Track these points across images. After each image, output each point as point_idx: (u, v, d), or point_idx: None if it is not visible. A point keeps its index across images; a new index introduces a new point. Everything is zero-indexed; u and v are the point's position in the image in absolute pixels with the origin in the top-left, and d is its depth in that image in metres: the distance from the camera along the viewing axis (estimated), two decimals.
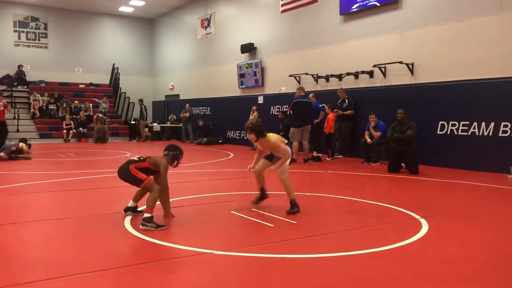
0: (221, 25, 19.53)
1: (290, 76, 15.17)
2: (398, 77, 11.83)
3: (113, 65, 24.18)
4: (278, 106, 15.71)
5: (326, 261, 3.80)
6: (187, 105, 20.12)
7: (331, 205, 6.38)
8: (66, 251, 4.03)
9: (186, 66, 22.49)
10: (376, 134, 11.04)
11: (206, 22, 20.48)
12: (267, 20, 16.68)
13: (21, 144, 12.15)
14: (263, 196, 5.99)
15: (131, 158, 5.14)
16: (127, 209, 5.30)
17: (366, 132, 11.34)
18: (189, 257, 3.84)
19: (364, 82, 12.87)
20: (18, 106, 20.44)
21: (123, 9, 23.49)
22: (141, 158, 5.11)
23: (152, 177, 5.04)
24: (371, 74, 12.56)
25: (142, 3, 22.25)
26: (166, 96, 24.62)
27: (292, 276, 3.45)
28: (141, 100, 21.34)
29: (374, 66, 12.21)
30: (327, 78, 13.96)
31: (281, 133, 13.66)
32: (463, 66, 10.38)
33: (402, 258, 3.92)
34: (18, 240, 4.40)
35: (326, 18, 14.03)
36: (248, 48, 17.38)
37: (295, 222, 5.07)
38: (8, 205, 6.05)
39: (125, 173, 5.01)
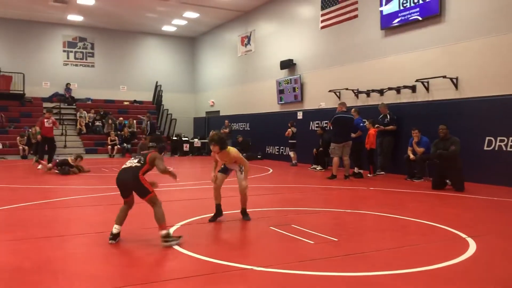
0: (261, 42, 19.74)
1: (330, 91, 15.09)
2: (442, 92, 11.53)
3: (156, 82, 24.85)
4: (318, 122, 15.61)
5: (368, 280, 3.71)
6: (226, 121, 20.37)
7: (373, 222, 6.24)
8: (109, 264, 4.11)
9: (226, 83, 22.81)
10: (420, 150, 10.75)
11: (246, 40, 20.75)
12: (307, 36, 16.73)
13: (70, 158, 12.51)
14: (219, 213, 6.00)
15: (133, 165, 4.80)
16: (115, 237, 4.81)
17: (409, 148, 11.07)
18: (229, 272, 3.84)
19: (406, 97, 12.61)
20: (66, 123, 21.29)
21: (166, 28, 24.17)
22: (141, 162, 4.83)
23: (155, 191, 4.86)
24: (413, 88, 12.31)
25: (185, 22, 22.83)
26: (206, 112, 25.01)
27: None
28: (148, 115, 21.58)
29: (417, 80, 11.96)
30: (368, 93, 13.79)
31: (321, 149, 13.63)
32: (510, 80, 10.01)
33: (449, 278, 3.76)
34: (64, 252, 4.53)
35: (366, 33, 13.92)
36: (288, 64, 17.45)
37: (335, 240, 4.98)
38: (56, 218, 6.26)
39: (134, 183, 4.74)
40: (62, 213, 6.64)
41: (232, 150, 5.84)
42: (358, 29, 14.27)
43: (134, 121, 22.03)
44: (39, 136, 14.21)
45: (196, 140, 22.34)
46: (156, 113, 24.38)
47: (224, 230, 5.59)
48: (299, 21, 17.21)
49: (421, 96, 12.14)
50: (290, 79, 17.38)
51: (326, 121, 14.30)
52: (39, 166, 12.55)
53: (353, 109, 12.17)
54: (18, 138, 18.67)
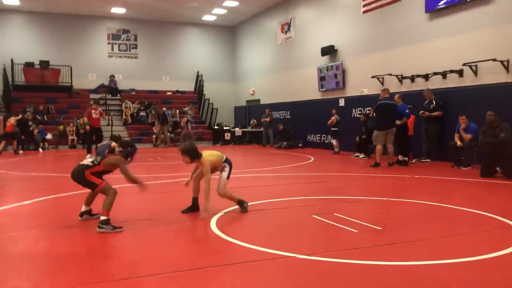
0: (301, 29, 19.54)
1: (372, 77, 14.78)
2: (492, 76, 11.04)
3: (197, 72, 25.14)
4: (360, 109, 15.36)
5: (414, 269, 3.65)
6: (267, 110, 20.35)
7: (418, 211, 6.10)
8: (154, 251, 4.23)
9: (266, 71, 22.77)
10: (467, 136, 10.39)
11: (286, 27, 20.59)
12: (348, 22, 16.41)
13: (114, 144, 12.34)
14: (194, 206, 5.75)
15: (84, 163, 5.06)
16: (82, 214, 5.38)
17: (456, 135, 10.71)
18: (272, 260, 3.87)
19: (453, 81, 12.17)
20: (112, 114, 21.94)
21: (206, 18, 24.33)
22: (95, 162, 5.06)
23: (105, 182, 5.05)
24: (460, 73, 11.85)
25: (224, 11, 22.90)
26: (247, 101, 25.09)
27: (378, 283, 3.35)
28: (153, 106, 21.70)
29: (464, 64, 11.51)
30: (412, 78, 13.41)
31: (364, 136, 13.42)
32: None
33: (499, 269, 3.64)
34: (113, 240, 4.69)
35: (410, 16, 13.49)
36: (329, 51, 17.20)
37: (380, 228, 4.91)
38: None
39: (80, 179, 5.02)
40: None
41: (205, 161, 5.53)
42: (401, 13, 13.86)
43: (177, 111, 22.41)
44: (87, 127, 14.71)
45: (237, 129, 22.51)
46: (198, 102, 24.70)
47: (267, 218, 5.62)
48: (340, 6, 16.89)
49: (469, 80, 11.69)
50: (332, 65, 17.14)
51: (369, 108, 14.05)
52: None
53: (396, 95, 11.88)
54: (67, 128, 19.41)
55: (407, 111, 11.61)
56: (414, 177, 9.39)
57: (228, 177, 5.73)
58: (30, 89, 21.77)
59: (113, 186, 5.09)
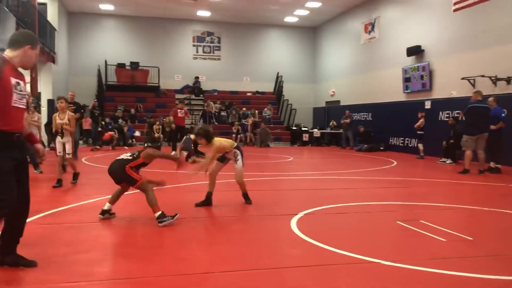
0: (386, 29, 18.94)
1: (462, 79, 13.95)
2: None
3: (277, 73, 25.30)
4: (448, 112, 14.56)
5: (509, 284, 3.38)
6: (347, 111, 19.96)
7: None
8: (231, 248, 4.31)
9: (347, 72, 22.36)
10: None
11: (370, 27, 20.07)
12: (437, 21, 15.64)
13: (193, 136, 12.57)
14: (207, 201, 6.09)
15: (124, 158, 5.17)
16: (104, 212, 5.28)
17: None
18: (356, 264, 3.79)
19: None
20: (195, 113, 22.73)
21: (288, 19, 24.41)
22: (134, 156, 5.17)
23: (144, 178, 5.13)
24: None
25: (306, 12, 22.83)
26: (326, 102, 24.80)
27: None
28: (209, 105, 21.73)
29: None
30: (508, 80, 12.46)
31: (451, 141, 12.70)
32: None
33: None
34: (194, 234, 4.84)
35: (507, 14, 12.55)
36: (415, 51, 16.52)
37: (470, 239, 4.62)
38: (182, 203, 6.71)
39: (121, 174, 5.08)
40: (190, 197, 7.06)
41: (214, 143, 5.88)
42: (497, 10, 12.94)
43: (256, 111, 22.70)
44: (173, 125, 15.35)
45: (315, 130, 22.31)
46: (277, 103, 24.86)
47: (349, 221, 5.52)
48: (429, 4, 16.14)
49: None
50: (418, 66, 16.44)
51: (458, 111, 13.29)
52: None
53: (490, 98, 11.10)
54: (154, 126, 20.36)
55: (503, 115, 10.81)
56: (509, 185, 8.73)
57: (242, 164, 6.11)
58: (121, 88, 23.22)
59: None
